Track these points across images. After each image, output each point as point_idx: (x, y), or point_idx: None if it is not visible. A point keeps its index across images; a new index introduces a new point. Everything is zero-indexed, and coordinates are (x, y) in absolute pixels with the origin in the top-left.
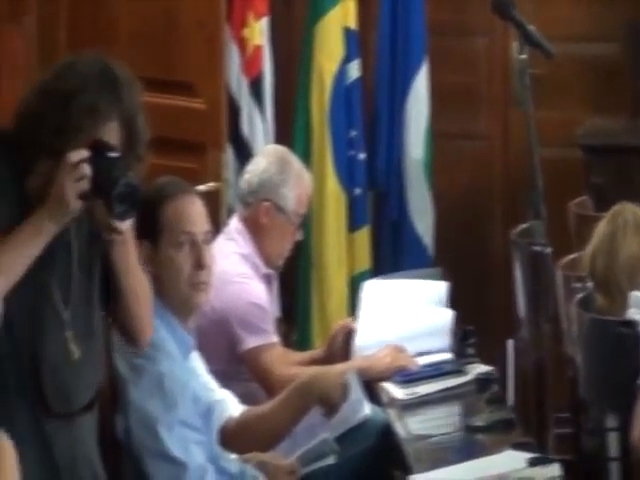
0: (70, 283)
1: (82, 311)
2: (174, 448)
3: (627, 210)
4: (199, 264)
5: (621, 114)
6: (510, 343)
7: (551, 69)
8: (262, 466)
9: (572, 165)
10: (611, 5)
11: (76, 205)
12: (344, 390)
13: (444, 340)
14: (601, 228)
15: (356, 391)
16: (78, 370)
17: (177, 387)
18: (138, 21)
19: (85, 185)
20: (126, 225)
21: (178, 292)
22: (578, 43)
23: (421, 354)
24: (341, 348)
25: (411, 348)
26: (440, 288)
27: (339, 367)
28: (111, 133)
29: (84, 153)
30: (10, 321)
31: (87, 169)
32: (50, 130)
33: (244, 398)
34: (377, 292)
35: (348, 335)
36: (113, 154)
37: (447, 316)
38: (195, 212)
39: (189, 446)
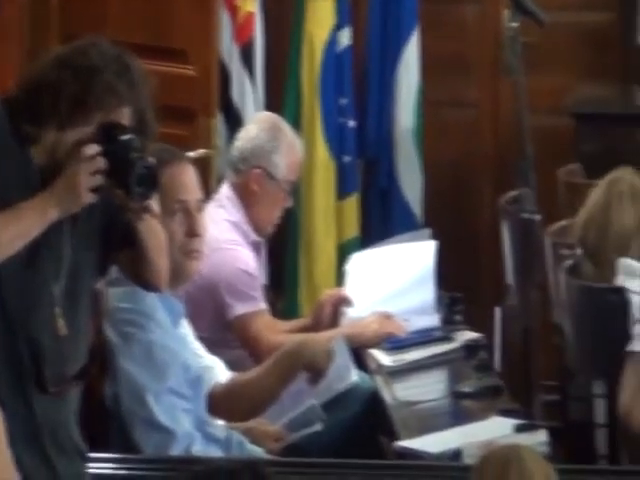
0: (61, 258)
1: (69, 286)
2: (162, 416)
3: (623, 179)
4: (192, 232)
5: (612, 82)
6: (498, 310)
7: (543, 37)
8: (249, 432)
9: (562, 133)
10: None
11: (88, 199)
12: (330, 357)
13: (429, 274)
14: (595, 196)
15: (343, 358)
16: (67, 346)
17: (167, 355)
18: None
19: (100, 180)
20: (154, 206)
21: (170, 260)
22: (571, 11)
23: (408, 316)
24: (329, 316)
25: (400, 303)
26: (428, 247)
27: (326, 334)
28: (124, 118)
29: (99, 148)
30: (2, 296)
31: (102, 163)
32: (70, 102)
33: (232, 365)
34: (364, 263)
35: (336, 304)
36: (126, 136)
37: (430, 248)
38: (188, 180)
39: (177, 414)
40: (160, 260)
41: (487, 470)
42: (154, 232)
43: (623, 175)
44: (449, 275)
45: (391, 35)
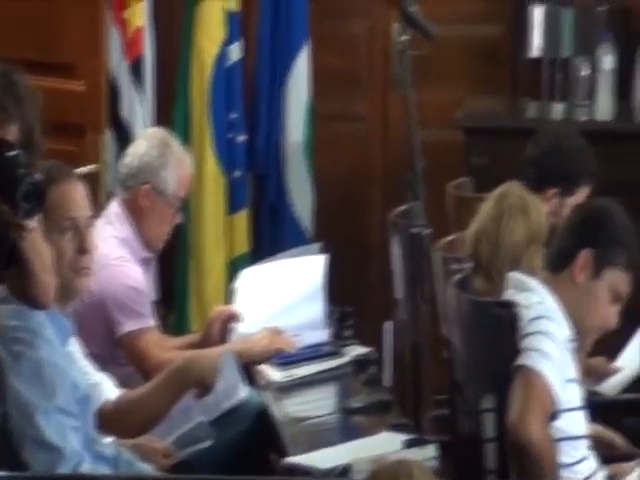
0: None
1: None
2: (51, 435)
3: (513, 193)
4: (82, 249)
5: (502, 95)
6: (388, 325)
7: (433, 50)
8: (138, 448)
9: (453, 147)
10: None
11: None
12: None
13: (319, 289)
14: (486, 210)
15: (232, 374)
16: None
17: (56, 374)
18: (16, 1)
19: None
20: (33, 223)
21: (59, 277)
22: (461, 24)
23: (298, 332)
24: (218, 332)
25: (290, 318)
26: (318, 262)
27: (216, 350)
28: (11, 134)
29: None
30: None
31: None
32: None
33: (121, 382)
34: (254, 279)
35: (226, 320)
36: (13, 152)
37: (320, 262)
38: (78, 197)
39: (66, 433)
40: (46, 277)
41: None
42: (39, 249)
43: (512, 189)
44: (339, 290)
45: (281, 49)
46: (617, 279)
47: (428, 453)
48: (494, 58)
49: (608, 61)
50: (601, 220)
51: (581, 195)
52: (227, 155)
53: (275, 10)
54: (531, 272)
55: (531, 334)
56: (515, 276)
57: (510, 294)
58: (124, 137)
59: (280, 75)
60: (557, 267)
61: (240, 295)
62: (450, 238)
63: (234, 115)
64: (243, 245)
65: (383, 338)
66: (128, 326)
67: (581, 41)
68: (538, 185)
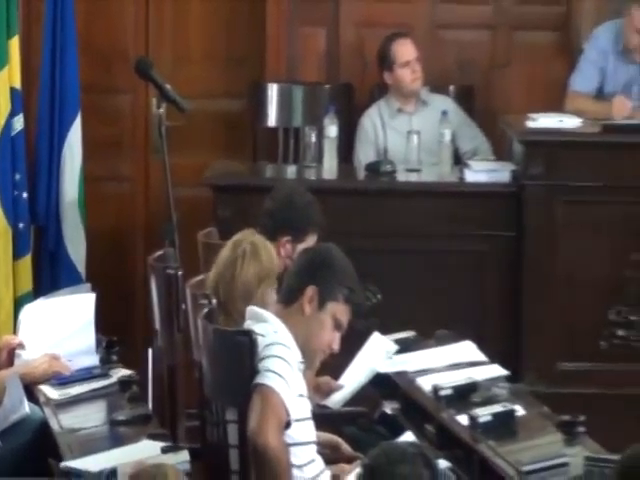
0: None
1: None
2: None
3: (246, 239)
4: None
5: (245, 158)
6: (150, 351)
7: (187, 121)
8: None
9: (203, 201)
10: (238, 67)
11: None
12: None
13: (90, 321)
14: (223, 255)
15: (17, 393)
16: None
17: None
18: None
19: None
20: None
21: None
22: (210, 99)
23: (72, 357)
24: (6, 359)
25: (65, 346)
26: (89, 299)
27: (3, 373)
28: None
29: None
30: None
31: None
32: None
33: None
34: (34, 313)
35: (12, 348)
36: None
37: (90, 299)
38: None
39: None
40: None
41: None
42: None
43: (246, 236)
44: (107, 322)
45: (58, 120)
46: (338, 311)
47: (181, 458)
48: (237, 127)
49: (332, 130)
50: (323, 261)
51: (310, 242)
52: (12, 209)
53: (52, 87)
54: (264, 306)
55: (267, 357)
56: (253, 309)
57: (249, 324)
58: None
59: (57, 142)
60: (288, 301)
61: (23, 327)
62: (199, 278)
63: (18, 176)
64: (27, 285)
65: (147, 362)
66: None
67: (310, 113)
68: (273, 233)
